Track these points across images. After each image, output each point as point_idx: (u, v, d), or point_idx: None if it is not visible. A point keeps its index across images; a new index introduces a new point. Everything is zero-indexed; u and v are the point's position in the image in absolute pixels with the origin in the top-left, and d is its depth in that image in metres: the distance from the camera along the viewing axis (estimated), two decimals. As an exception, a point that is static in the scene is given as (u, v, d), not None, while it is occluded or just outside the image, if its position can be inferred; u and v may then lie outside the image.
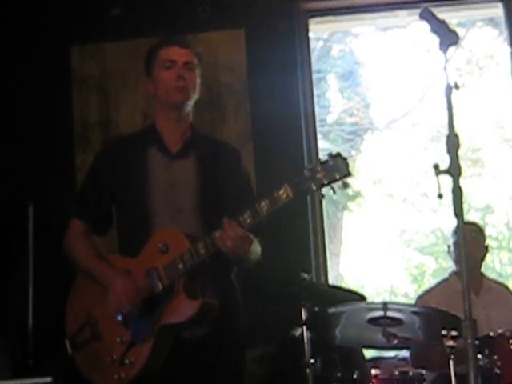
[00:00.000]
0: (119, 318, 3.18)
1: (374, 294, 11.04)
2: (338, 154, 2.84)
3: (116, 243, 3.44)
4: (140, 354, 3.11)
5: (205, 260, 3.05)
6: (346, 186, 2.85)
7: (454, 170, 2.41)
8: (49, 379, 4.13)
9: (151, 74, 3.40)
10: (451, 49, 2.50)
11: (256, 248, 3.25)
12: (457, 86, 2.47)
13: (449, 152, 2.43)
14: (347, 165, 2.82)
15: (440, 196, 2.42)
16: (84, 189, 3.51)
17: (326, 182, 2.82)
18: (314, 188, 2.84)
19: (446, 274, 4.85)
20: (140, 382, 3.14)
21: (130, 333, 3.15)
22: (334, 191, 2.86)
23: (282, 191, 2.88)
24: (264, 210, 2.93)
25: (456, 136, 2.43)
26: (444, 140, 2.45)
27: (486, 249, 4.79)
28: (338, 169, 2.81)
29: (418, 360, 4.42)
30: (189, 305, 3.05)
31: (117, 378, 3.12)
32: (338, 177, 2.81)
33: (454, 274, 4.72)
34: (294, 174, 2.88)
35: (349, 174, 2.82)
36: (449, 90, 2.47)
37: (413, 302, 4.88)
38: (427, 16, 2.55)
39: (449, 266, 4.90)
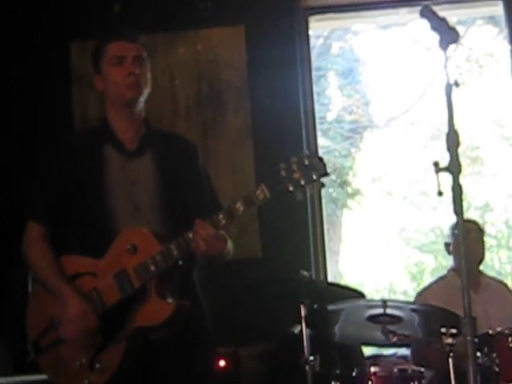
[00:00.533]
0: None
1: (373, 291, 11.02)
2: (314, 154, 2.82)
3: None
4: (112, 357, 3.01)
5: (177, 261, 2.99)
6: (322, 185, 2.83)
7: (454, 168, 2.41)
8: (47, 376, 4.13)
9: (100, 71, 3.29)
10: (451, 47, 2.49)
11: (230, 245, 3.18)
12: (457, 84, 2.47)
13: (449, 149, 2.42)
14: (324, 164, 2.79)
15: (440, 193, 2.42)
16: (39, 190, 3.32)
17: (303, 183, 2.79)
18: (291, 189, 2.80)
19: (445, 272, 4.85)
20: None
21: (100, 336, 3.04)
22: (309, 190, 2.81)
23: (258, 192, 2.84)
24: (240, 210, 2.88)
25: (456, 133, 2.43)
26: (443, 138, 2.45)
27: (484, 246, 4.79)
28: (314, 168, 2.78)
29: (418, 358, 4.43)
30: (162, 307, 2.99)
31: (87, 383, 3.02)
32: (315, 177, 2.78)
33: (453, 270, 4.73)
34: (271, 174, 2.86)
35: (326, 174, 2.80)
36: (449, 87, 2.47)
37: (412, 300, 4.88)
38: (427, 14, 2.55)
39: (448, 264, 4.90)
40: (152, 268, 2.98)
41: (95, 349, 3.04)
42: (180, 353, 3.11)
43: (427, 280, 10.46)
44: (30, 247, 3.26)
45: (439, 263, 10.97)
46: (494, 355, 3.55)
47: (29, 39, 5.59)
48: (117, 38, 3.28)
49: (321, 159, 2.80)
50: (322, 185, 2.83)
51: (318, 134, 5.81)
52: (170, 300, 3.01)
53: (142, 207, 3.17)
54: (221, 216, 2.91)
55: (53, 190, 3.25)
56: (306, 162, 2.79)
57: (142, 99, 3.27)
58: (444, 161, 2.43)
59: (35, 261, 3.23)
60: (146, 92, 3.27)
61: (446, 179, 2.42)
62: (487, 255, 4.85)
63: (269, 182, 2.84)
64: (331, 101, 11.37)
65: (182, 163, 3.29)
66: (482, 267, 4.82)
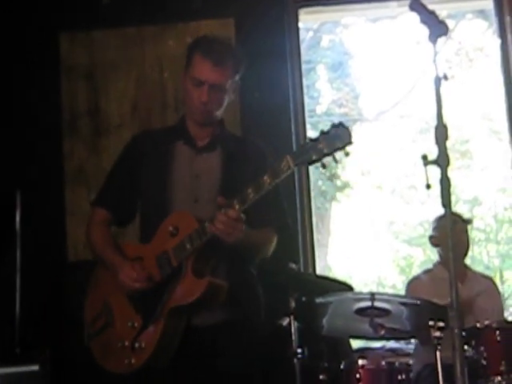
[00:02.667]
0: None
1: (362, 285, 11.05)
2: (340, 124, 2.77)
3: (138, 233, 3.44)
4: (150, 338, 3.07)
5: (212, 238, 2.99)
6: (346, 154, 2.77)
7: (442, 161, 2.42)
8: (36, 367, 4.12)
9: (187, 69, 3.33)
10: (440, 40, 2.49)
11: (268, 240, 3.31)
12: (446, 78, 2.47)
13: (437, 142, 2.43)
14: (349, 133, 2.75)
15: (428, 186, 2.42)
16: (110, 179, 3.48)
17: (326, 152, 2.76)
18: (314, 157, 2.78)
19: (431, 266, 4.86)
20: (150, 370, 3.11)
21: (141, 317, 3.12)
22: (336, 161, 2.78)
23: (283, 163, 2.85)
24: (266, 183, 2.89)
25: (444, 126, 2.43)
26: (432, 132, 2.46)
27: (468, 238, 4.77)
28: (339, 138, 2.75)
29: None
30: (196, 284, 3.01)
31: (127, 363, 3.09)
32: (339, 145, 2.75)
33: (438, 263, 4.74)
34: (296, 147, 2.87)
35: (350, 142, 2.75)
36: (438, 81, 2.47)
37: (400, 293, 4.88)
38: (417, 7, 2.55)
39: (436, 257, 4.91)
40: (188, 246, 3.03)
41: (137, 330, 3.11)
42: (221, 341, 3.15)
43: (416, 273, 10.49)
44: (91, 229, 3.41)
45: (428, 257, 11.00)
46: (482, 348, 3.57)
47: (17, 30, 5.55)
48: (206, 51, 3.27)
49: (346, 128, 2.76)
50: (346, 154, 2.77)
51: (308, 127, 5.79)
52: (205, 277, 3.03)
53: (199, 199, 3.23)
54: (249, 190, 2.92)
55: (123, 181, 3.40)
56: (332, 132, 2.77)
57: (218, 113, 3.32)
58: (433, 154, 2.43)
59: (95, 240, 3.38)
60: (222, 110, 3.31)
61: (435, 173, 2.43)
62: (476, 249, 4.86)
63: (293, 153, 2.86)
64: (321, 94, 11.39)
65: (247, 167, 3.28)
66: (469, 261, 4.83)
